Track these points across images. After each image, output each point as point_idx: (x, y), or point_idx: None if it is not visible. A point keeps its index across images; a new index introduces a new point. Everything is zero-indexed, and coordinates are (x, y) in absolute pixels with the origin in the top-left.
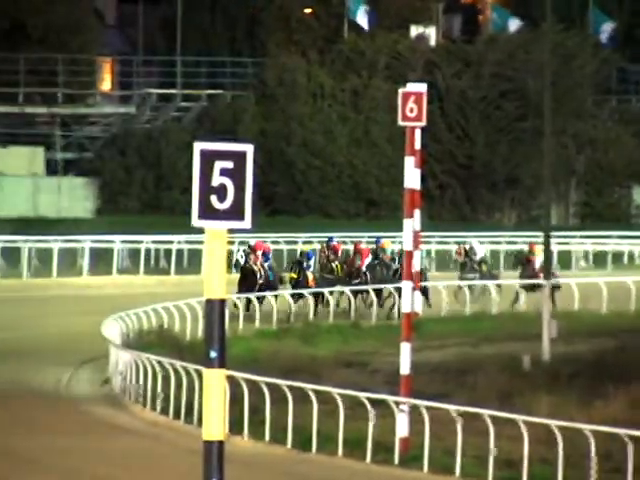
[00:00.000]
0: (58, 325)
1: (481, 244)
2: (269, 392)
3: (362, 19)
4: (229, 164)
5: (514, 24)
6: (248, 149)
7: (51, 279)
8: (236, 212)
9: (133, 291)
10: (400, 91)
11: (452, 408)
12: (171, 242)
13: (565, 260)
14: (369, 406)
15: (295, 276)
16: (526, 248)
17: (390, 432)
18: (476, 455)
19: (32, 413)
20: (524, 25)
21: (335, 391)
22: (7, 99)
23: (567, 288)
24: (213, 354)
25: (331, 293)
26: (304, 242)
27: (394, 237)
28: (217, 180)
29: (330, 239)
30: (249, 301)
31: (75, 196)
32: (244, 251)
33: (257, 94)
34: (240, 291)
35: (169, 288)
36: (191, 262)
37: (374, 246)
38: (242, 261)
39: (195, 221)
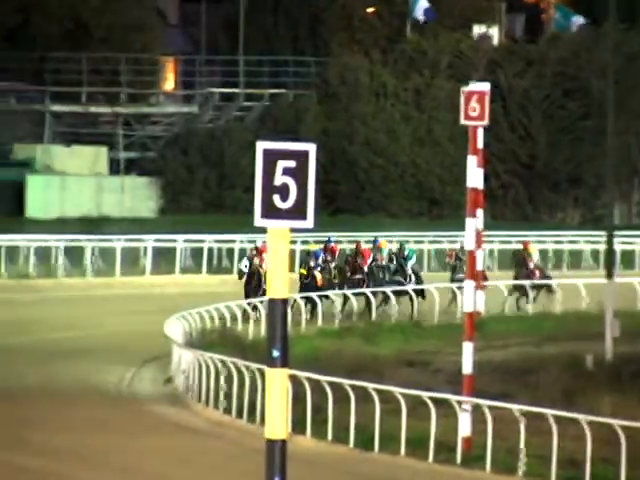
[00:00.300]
0: (121, 324)
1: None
2: (331, 391)
3: (420, 14)
4: (292, 163)
5: (577, 23)
6: (310, 148)
7: (114, 278)
8: (298, 211)
9: (195, 290)
10: (463, 90)
11: (515, 407)
12: (233, 241)
13: (628, 259)
14: (431, 405)
15: (305, 272)
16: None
17: (452, 432)
18: (539, 455)
19: (95, 412)
20: (587, 24)
21: (397, 390)
22: (70, 99)
23: (630, 287)
24: (276, 353)
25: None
26: (315, 241)
27: (456, 236)
28: (280, 179)
29: (328, 240)
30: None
31: (138, 195)
32: (247, 258)
33: (320, 93)
34: (247, 296)
35: (231, 287)
36: None
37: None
38: (245, 270)
39: (258, 220)
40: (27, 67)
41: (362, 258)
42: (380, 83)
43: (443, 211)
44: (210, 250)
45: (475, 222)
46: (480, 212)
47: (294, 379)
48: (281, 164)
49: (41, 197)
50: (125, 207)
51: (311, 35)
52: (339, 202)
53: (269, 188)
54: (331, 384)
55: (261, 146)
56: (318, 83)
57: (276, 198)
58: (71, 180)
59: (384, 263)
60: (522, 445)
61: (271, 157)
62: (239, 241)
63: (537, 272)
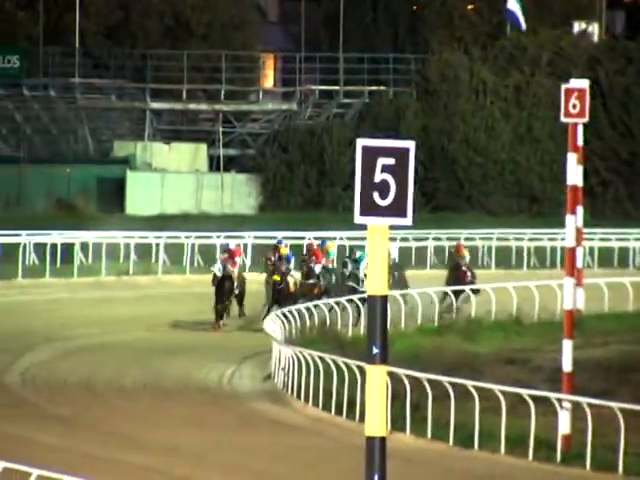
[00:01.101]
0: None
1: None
2: (431, 388)
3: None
4: (391, 161)
5: None
6: (410, 146)
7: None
8: (398, 208)
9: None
10: (563, 87)
11: (615, 405)
12: (333, 238)
13: None
14: (531, 403)
15: (278, 279)
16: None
17: (552, 429)
18: (639, 453)
19: (196, 409)
20: None
21: (497, 388)
22: (171, 96)
23: None
24: (375, 350)
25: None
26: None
27: (555, 234)
28: (379, 177)
29: (278, 242)
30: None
31: (237, 192)
32: (221, 261)
33: (419, 90)
34: (219, 300)
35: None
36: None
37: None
38: (219, 274)
39: (357, 218)
40: (128, 64)
41: (314, 259)
42: (480, 80)
43: (543, 209)
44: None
45: (575, 219)
46: (580, 209)
47: (393, 376)
48: (381, 161)
49: (141, 194)
50: (225, 204)
51: (411, 32)
52: (438, 200)
53: (369, 185)
54: (430, 381)
55: (361, 143)
56: (418, 80)
57: (375, 195)
58: (171, 177)
59: (332, 266)
60: (622, 443)
61: (371, 154)
62: (338, 238)
63: (468, 273)
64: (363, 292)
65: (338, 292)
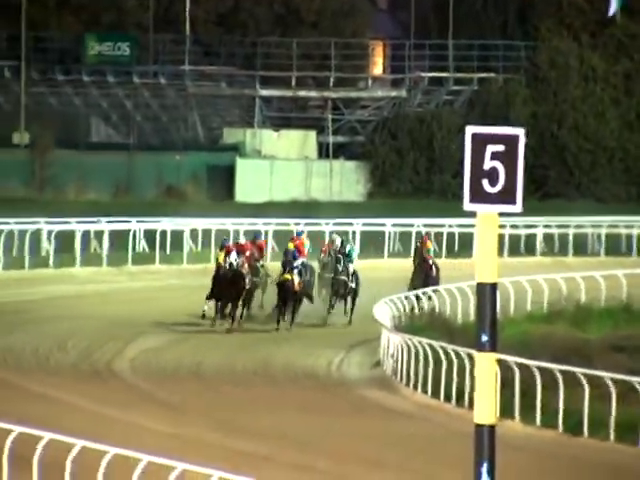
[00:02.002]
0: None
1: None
2: (540, 376)
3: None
4: (501, 148)
5: None
6: (520, 133)
7: None
8: (507, 196)
9: (404, 274)
10: None
11: None
12: (442, 225)
13: None
14: None
15: (289, 277)
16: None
17: None
18: None
19: (305, 395)
20: None
21: (607, 375)
22: (280, 83)
23: None
24: (484, 337)
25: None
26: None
27: None
28: (489, 164)
29: (256, 236)
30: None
31: (347, 179)
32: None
33: (529, 77)
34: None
35: (442, 272)
36: (462, 246)
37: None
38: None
39: (467, 205)
40: (238, 52)
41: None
42: (589, 67)
43: None
44: (419, 234)
45: None
46: None
47: (502, 364)
48: (490, 148)
49: (250, 181)
50: (333, 191)
51: (520, 19)
52: (548, 187)
53: (478, 172)
54: (540, 369)
55: (470, 130)
56: (527, 67)
57: (485, 182)
58: (280, 164)
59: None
60: None
61: (480, 141)
62: (448, 225)
63: (434, 268)
64: (353, 288)
65: (320, 287)
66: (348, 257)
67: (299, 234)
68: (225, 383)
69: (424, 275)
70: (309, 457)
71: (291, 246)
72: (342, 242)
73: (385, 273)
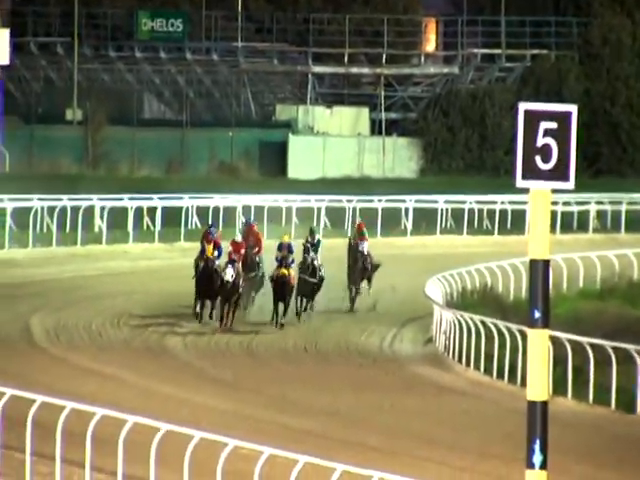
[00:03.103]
0: (381, 285)
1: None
2: (592, 353)
3: None
4: (553, 125)
5: None
6: (572, 109)
7: (375, 239)
8: (560, 172)
9: (456, 251)
10: None
11: None
12: (495, 202)
13: None
14: None
15: (286, 273)
16: None
17: None
18: None
19: (357, 372)
20: None
21: None
22: (333, 60)
23: None
24: (537, 314)
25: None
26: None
27: None
28: (541, 141)
29: (247, 221)
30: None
31: (399, 156)
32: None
33: (582, 54)
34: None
35: (492, 248)
36: (514, 222)
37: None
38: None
39: (519, 181)
40: (290, 28)
41: (253, 246)
42: None
43: None
44: (471, 211)
45: None
46: None
47: (555, 340)
48: (543, 125)
49: (303, 158)
50: (386, 167)
51: None
52: (601, 164)
53: (531, 149)
54: (592, 345)
55: (523, 107)
56: (580, 44)
57: (537, 159)
58: (332, 141)
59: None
60: None
61: (533, 118)
62: (500, 202)
63: (368, 258)
64: (316, 283)
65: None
66: (316, 247)
67: (248, 223)
68: (277, 360)
69: (357, 263)
70: (360, 434)
71: (286, 239)
72: (311, 231)
73: (437, 250)
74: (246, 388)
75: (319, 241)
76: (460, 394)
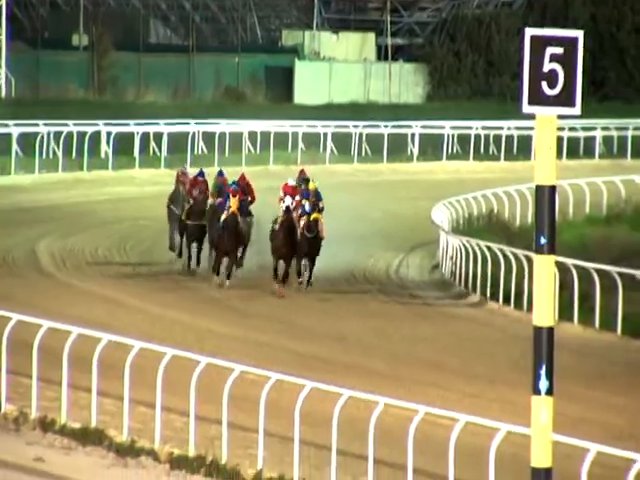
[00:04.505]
0: (388, 210)
1: None
2: (599, 278)
3: None
4: (559, 50)
5: None
6: (579, 35)
7: (381, 164)
8: (566, 98)
9: (462, 177)
10: None
11: None
12: (501, 128)
13: None
14: None
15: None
16: None
17: None
18: None
19: (362, 298)
20: None
21: None
22: None
23: None
24: (543, 240)
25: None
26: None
27: None
28: (547, 66)
29: (221, 173)
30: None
31: (405, 82)
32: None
33: None
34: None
35: (498, 174)
36: (521, 148)
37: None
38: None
39: (525, 107)
40: None
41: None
42: None
43: None
44: (477, 137)
45: None
46: None
47: (561, 266)
48: (549, 51)
49: (309, 83)
50: (392, 93)
51: None
52: (607, 89)
53: (537, 75)
54: (598, 271)
55: (529, 33)
56: None
57: (544, 85)
58: (338, 66)
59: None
60: None
61: (539, 44)
62: (506, 128)
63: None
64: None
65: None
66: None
67: (222, 173)
68: (286, 287)
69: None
70: (366, 359)
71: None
72: (307, 180)
73: (443, 176)
74: (256, 314)
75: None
76: (466, 320)
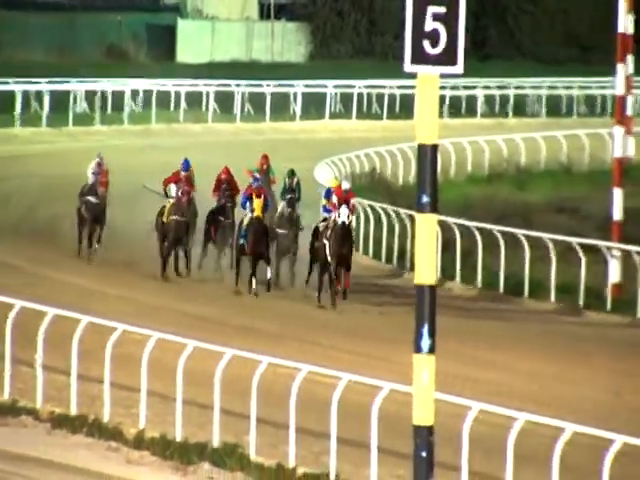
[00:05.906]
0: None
1: None
2: (481, 237)
3: None
4: (442, 9)
5: None
6: None
7: (264, 124)
8: (448, 57)
9: (345, 135)
10: None
11: None
12: (383, 87)
13: None
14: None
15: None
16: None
17: (601, 278)
18: None
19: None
20: None
21: (546, 236)
22: None
23: None
24: (425, 199)
25: None
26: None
27: (606, 82)
28: (430, 25)
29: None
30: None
31: (288, 41)
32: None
33: None
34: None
35: (381, 133)
36: (403, 107)
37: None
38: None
39: (407, 66)
40: None
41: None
42: None
43: (591, 57)
44: (360, 96)
45: (625, 68)
46: (630, 58)
47: (443, 225)
48: (431, 10)
49: (191, 42)
50: (275, 52)
51: None
52: (488, 48)
53: (419, 34)
54: (480, 230)
55: None
56: None
57: (426, 44)
58: (221, 25)
59: None
60: None
61: (421, 3)
62: (389, 87)
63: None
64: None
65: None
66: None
67: (186, 165)
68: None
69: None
70: (255, 321)
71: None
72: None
73: (326, 134)
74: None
75: (298, 183)
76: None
